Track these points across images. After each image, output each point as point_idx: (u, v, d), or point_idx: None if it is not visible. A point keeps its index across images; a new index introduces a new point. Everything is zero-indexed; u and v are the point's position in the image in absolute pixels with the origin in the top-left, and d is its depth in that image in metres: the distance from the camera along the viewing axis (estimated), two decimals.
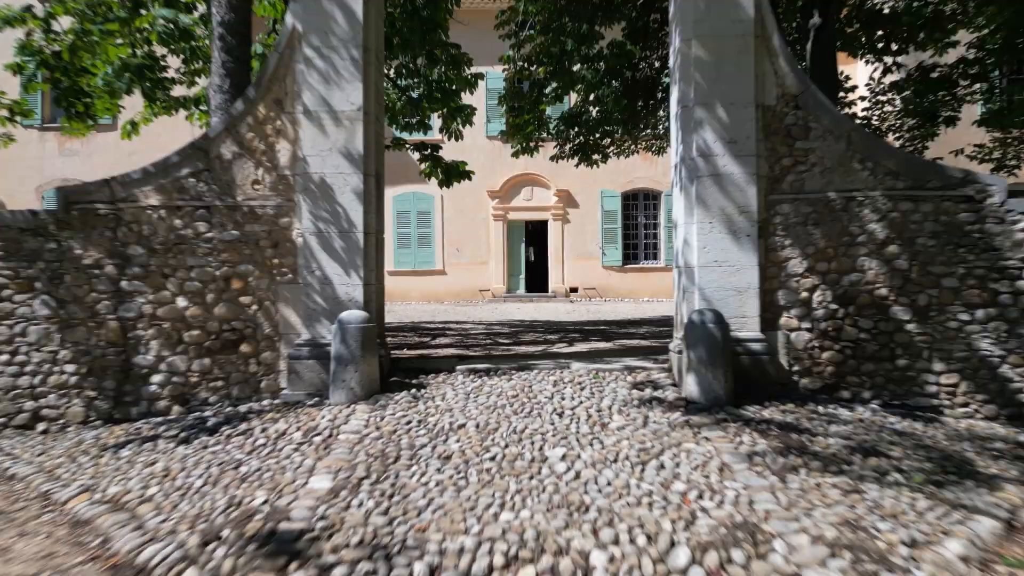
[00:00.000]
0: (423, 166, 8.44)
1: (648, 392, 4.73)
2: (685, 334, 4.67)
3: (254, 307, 5.03)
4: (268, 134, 5.08)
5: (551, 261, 18.29)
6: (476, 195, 18.08)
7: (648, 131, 10.05)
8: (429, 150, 8.10)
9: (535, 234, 21.79)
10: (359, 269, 4.97)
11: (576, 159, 9.50)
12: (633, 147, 10.19)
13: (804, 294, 5.00)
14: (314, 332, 4.93)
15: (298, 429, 4.06)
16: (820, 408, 4.57)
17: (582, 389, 4.71)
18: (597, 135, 9.14)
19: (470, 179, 8.69)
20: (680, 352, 4.91)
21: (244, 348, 5.01)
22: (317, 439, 3.88)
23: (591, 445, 3.69)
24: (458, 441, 3.78)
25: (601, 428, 3.97)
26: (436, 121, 8.91)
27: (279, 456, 3.68)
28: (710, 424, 4.07)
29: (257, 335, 5.03)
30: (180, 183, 5.03)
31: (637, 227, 18.32)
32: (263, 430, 4.11)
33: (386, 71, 8.22)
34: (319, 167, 4.98)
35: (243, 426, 4.25)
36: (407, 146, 8.31)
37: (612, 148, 9.65)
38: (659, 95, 9.68)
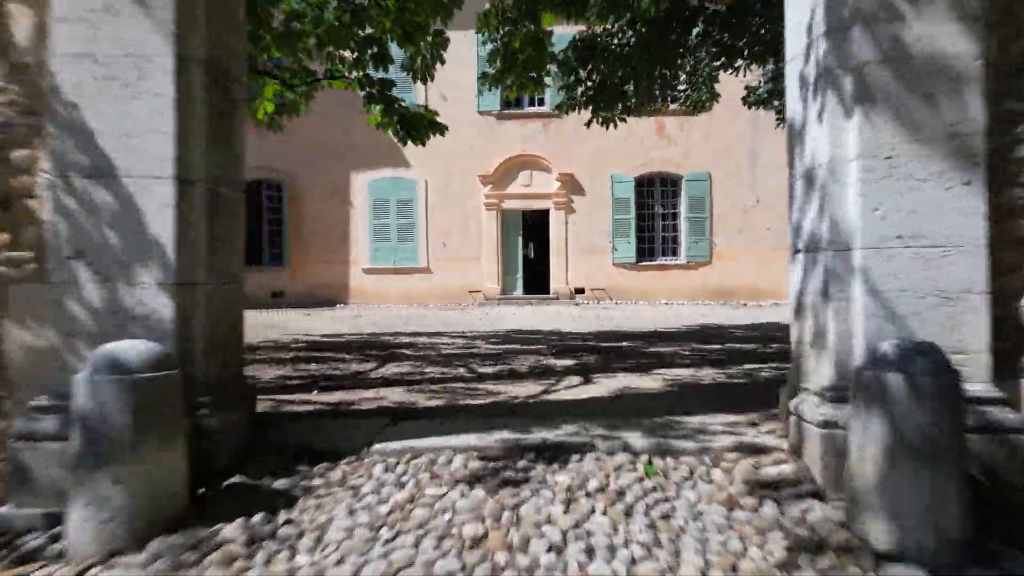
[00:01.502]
0: (372, 110, 5.86)
1: (770, 514, 2.19)
2: (856, 392, 2.13)
3: None
4: None
5: (553, 257, 15.74)
6: (466, 180, 15.54)
7: (685, 81, 7.45)
8: (377, 87, 5.54)
9: (534, 226, 19.37)
10: (164, 255, 2.42)
11: (589, 110, 6.89)
12: (668, 96, 7.56)
13: None
14: (69, 383, 2.40)
15: None
16: None
17: (628, 515, 2.16)
18: (618, 76, 6.53)
19: (443, 135, 6.12)
20: (828, 425, 2.37)
21: None
22: None
23: None
24: None
25: None
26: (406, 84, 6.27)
27: None
28: None
29: None
30: None
31: (653, 218, 15.76)
32: None
33: None
34: (87, 45, 2.44)
35: None
36: (344, 77, 5.73)
37: (637, 99, 6.99)
38: (698, 27, 7.10)
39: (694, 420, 3.12)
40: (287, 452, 2.71)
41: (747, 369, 4.97)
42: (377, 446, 2.71)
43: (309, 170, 15.52)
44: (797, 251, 2.81)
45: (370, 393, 4.07)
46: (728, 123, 15.36)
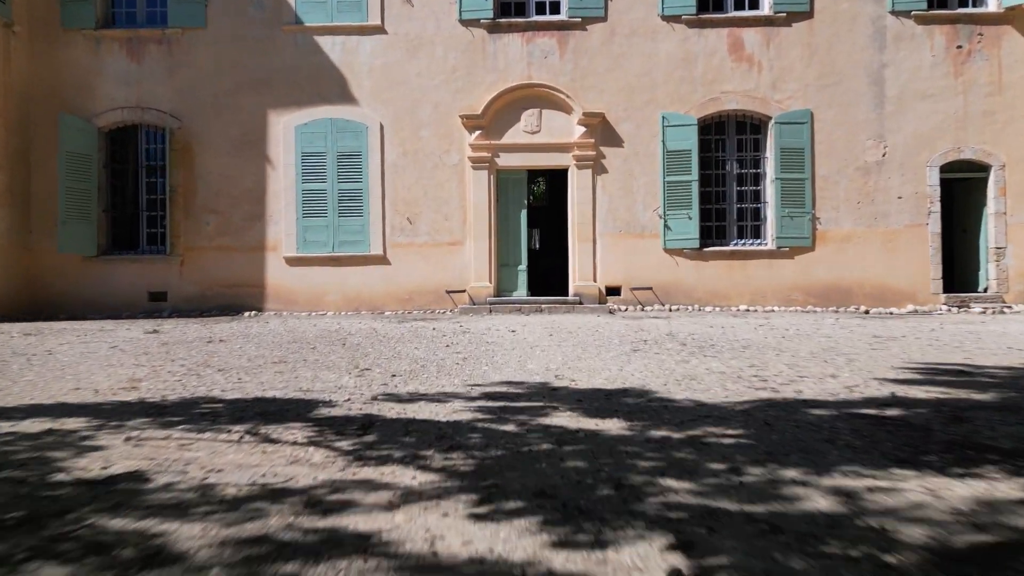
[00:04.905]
0: None
1: None
2: None
3: None
4: None
5: (573, 240, 10.53)
6: (441, 123, 10.37)
7: None
8: None
9: (547, 195, 14.30)
10: None
11: None
12: None
13: None
14: None
15: None
16: None
17: None
18: None
19: None
20: None
21: None
22: None
23: None
24: None
25: None
26: None
27: None
28: None
29: None
30: None
31: (725, 180, 10.56)
32: None
33: None
34: None
35: None
36: None
37: None
38: None
39: None
40: None
41: None
42: None
43: (207, 109, 10.38)
44: None
45: None
46: (838, 33, 10.13)
